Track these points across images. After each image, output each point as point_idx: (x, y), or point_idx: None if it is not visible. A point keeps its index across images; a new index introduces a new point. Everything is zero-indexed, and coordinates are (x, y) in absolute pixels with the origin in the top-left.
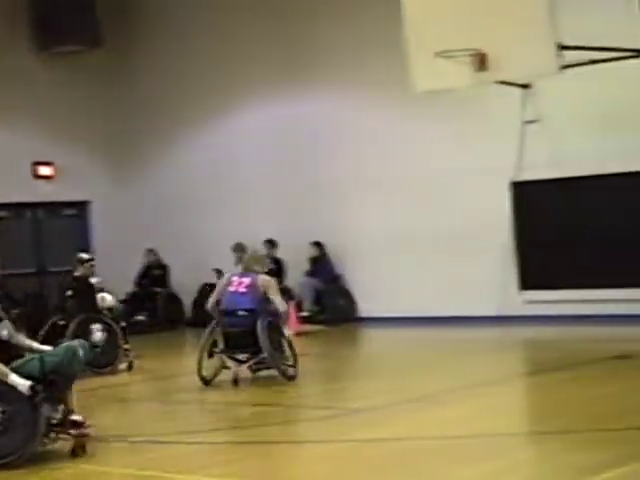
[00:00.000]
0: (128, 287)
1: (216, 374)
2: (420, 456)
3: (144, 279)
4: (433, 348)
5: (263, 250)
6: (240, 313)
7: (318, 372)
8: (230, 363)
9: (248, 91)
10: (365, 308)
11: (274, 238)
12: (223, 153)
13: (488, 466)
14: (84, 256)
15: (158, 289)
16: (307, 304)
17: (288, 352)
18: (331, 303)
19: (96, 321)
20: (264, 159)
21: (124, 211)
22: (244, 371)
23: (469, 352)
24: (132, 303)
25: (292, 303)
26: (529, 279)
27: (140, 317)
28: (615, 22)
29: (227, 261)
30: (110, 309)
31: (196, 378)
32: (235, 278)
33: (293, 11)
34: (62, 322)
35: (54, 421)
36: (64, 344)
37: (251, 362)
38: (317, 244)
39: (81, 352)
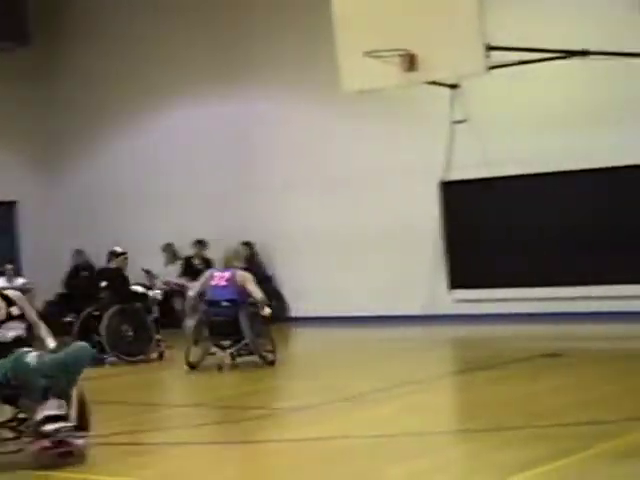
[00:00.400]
0: (57, 288)
1: (202, 360)
2: (350, 455)
3: (73, 280)
4: (364, 347)
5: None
6: (223, 304)
7: (249, 372)
8: (214, 349)
9: (176, 91)
10: (296, 308)
11: (204, 238)
12: (151, 153)
13: (417, 464)
14: (118, 249)
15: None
16: None
17: (268, 339)
18: None
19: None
20: (193, 159)
21: (51, 211)
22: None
23: (399, 351)
24: (61, 304)
25: None
26: (458, 278)
27: (69, 318)
28: (543, 23)
29: (156, 261)
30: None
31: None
32: (217, 273)
33: (223, 12)
34: (96, 313)
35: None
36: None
37: (233, 349)
38: (247, 244)
39: (35, 361)
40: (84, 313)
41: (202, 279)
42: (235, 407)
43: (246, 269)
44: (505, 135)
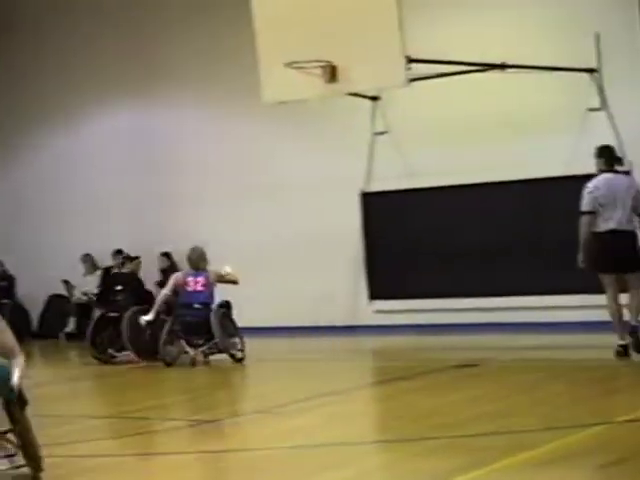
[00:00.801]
0: None
1: (177, 358)
2: (269, 466)
3: None
4: (285, 358)
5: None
6: (196, 306)
7: (168, 383)
8: (188, 348)
9: (97, 101)
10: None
11: (123, 249)
12: (71, 162)
13: (337, 475)
14: (131, 255)
15: (4, 300)
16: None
17: (237, 338)
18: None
19: (146, 312)
20: (114, 169)
21: None
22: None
23: (320, 362)
24: None
25: None
26: (378, 289)
27: None
28: (463, 37)
29: (76, 272)
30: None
31: None
32: (190, 278)
33: (143, 24)
34: (113, 314)
35: None
36: None
37: (205, 347)
38: (166, 255)
39: None
40: (98, 315)
41: (172, 281)
42: (154, 418)
43: (164, 280)
44: (425, 147)
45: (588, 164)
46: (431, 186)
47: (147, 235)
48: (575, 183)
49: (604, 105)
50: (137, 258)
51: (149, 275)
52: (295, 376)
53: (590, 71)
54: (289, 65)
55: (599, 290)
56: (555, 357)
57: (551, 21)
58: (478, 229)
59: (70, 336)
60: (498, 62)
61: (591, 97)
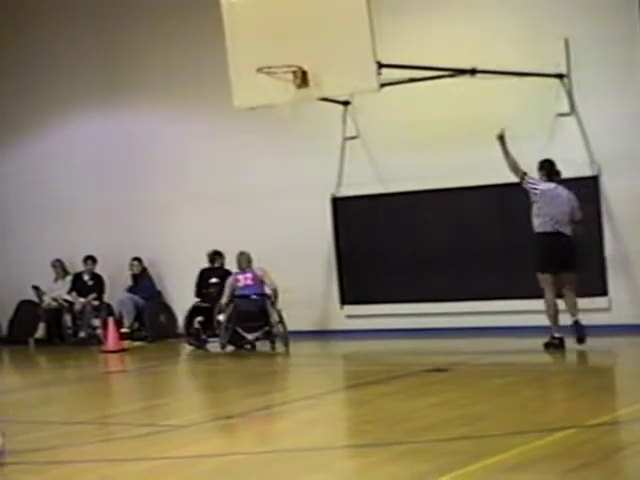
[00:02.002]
0: None
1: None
2: (240, 471)
3: None
4: (257, 363)
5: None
6: (252, 297)
7: (137, 388)
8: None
9: (68, 106)
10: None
11: (94, 254)
12: (40, 167)
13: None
14: (221, 251)
15: None
16: (128, 320)
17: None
18: (152, 319)
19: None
20: (84, 174)
21: None
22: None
23: (291, 366)
24: None
25: (112, 320)
26: (349, 294)
27: None
28: (433, 42)
29: (46, 277)
30: None
31: None
32: (240, 276)
33: (115, 28)
34: (204, 305)
35: None
36: None
37: (259, 333)
38: (137, 260)
39: None
40: (190, 307)
41: (228, 286)
42: (121, 424)
43: (137, 286)
44: (396, 151)
45: (560, 170)
46: (402, 191)
47: (119, 240)
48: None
49: (573, 110)
50: (222, 254)
51: (119, 281)
52: (265, 381)
53: (559, 76)
54: (260, 70)
55: (560, 295)
56: (524, 361)
57: (520, 27)
58: (448, 234)
59: (39, 342)
60: (468, 68)
61: (560, 102)
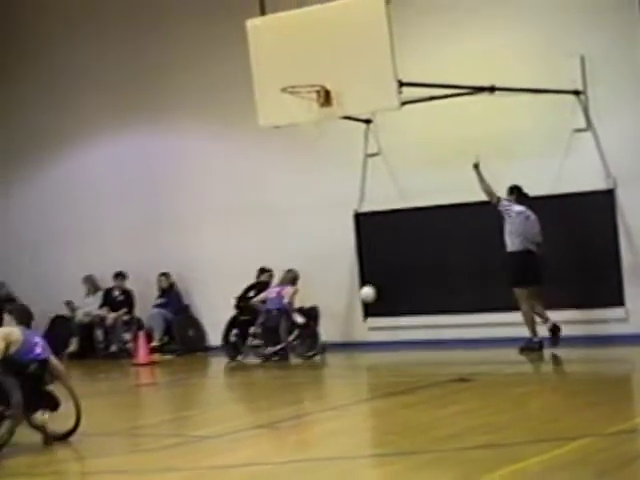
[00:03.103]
0: None
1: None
2: None
3: None
4: (280, 374)
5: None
6: (274, 312)
7: (167, 400)
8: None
9: (97, 129)
10: (214, 338)
11: (124, 270)
12: (74, 186)
13: None
14: (266, 267)
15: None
16: (157, 334)
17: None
18: (181, 333)
19: None
20: (114, 192)
21: None
22: None
23: (316, 378)
24: None
25: (142, 334)
26: (372, 306)
27: None
28: (453, 61)
29: (78, 293)
30: None
31: None
32: (272, 290)
33: (144, 52)
34: (243, 317)
35: None
36: None
37: (276, 348)
38: (165, 275)
39: None
40: (229, 319)
41: (259, 299)
42: (151, 435)
43: (166, 300)
44: (416, 168)
45: (575, 183)
46: (422, 206)
47: (147, 256)
48: (563, 201)
49: (589, 126)
50: (270, 271)
51: (148, 296)
52: (291, 392)
53: (576, 93)
54: (284, 90)
55: (578, 306)
56: (544, 371)
57: (536, 44)
58: (468, 247)
59: (72, 355)
60: (487, 85)
61: (577, 118)
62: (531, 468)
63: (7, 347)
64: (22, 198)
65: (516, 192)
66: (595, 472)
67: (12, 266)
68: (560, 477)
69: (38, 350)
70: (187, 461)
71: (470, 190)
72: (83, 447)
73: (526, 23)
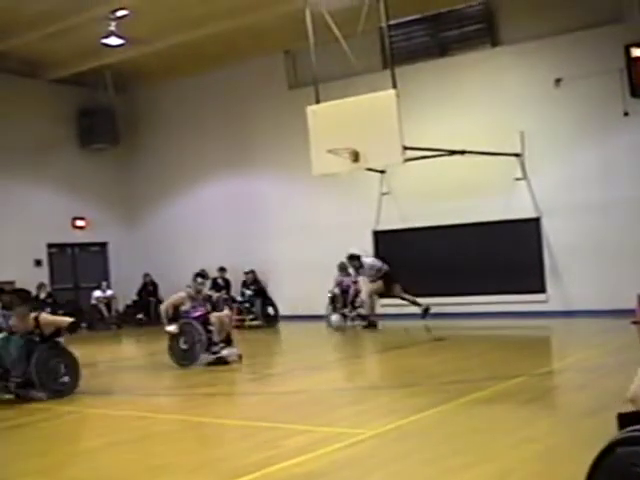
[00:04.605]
0: (132, 297)
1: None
2: (314, 401)
3: (142, 292)
4: (324, 335)
5: (217, 273)
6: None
7: (249, 352)
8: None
9: (211, 172)
10: (283, 310)
11: (225, 266)
12: (195, 211)
13: (356, 408)
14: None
15: (152, 299)
16: (244, 308)
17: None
18: (261, 307)
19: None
20: (219, 215)
21: (130, 249)
22: None
23: (347, 337)
24: (135, 307)
25: (235, 308)
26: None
27: (140, 316)
28: (438, 133)
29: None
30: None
31: None
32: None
33: (239, 129)
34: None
35: None
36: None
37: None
38: (252, 271)
39: None
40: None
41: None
42: (242, 372)
43: (257, 288)
44: (414, 201)
45: (516, 213)
46: (417, 227)
47: (238, 257)
48: (507, 226)
49: (525, 176)
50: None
51: (239, 283)
52: (327, 344)
53: (517, 155)
54: (329, 151)
55: (517, 292)
56: (494, 334)
57: (492, 123)
58: (448, 253)
59: None
60: (459, 149)
61: (517, 171)
62: (485, 396)
63: (176, 307)
64: (163, 219)
65: (354, 258)
66: (528, 398)
67: (155, 264)
68: (505, 401)
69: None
70: (261, 388)
71: (448, 216)
72: (215, 376)
73: (485, 110)
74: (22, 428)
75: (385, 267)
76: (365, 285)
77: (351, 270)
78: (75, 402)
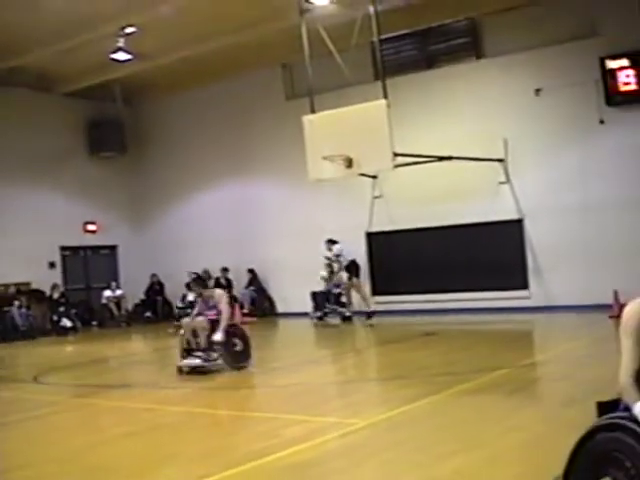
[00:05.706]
0: (140, 296)
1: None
2: (311, 393)
3: (150, 291)
4: (322, 330)
5: (219, 273)
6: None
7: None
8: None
9: (214, 178)
10: (280, 307)
11: (227, 266)
12: (198, 215)
13: (350, 398)
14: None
15: (159, 298)
16: (246, 305)
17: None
18: (260, 304)
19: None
20: (220, 219)
21: (138, 251)
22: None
23: (343, 332)
24: (143, 305)
25: (238, 305)
26: (378, 289)
27: (148, 314)
28: (426, 139)
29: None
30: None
31: None
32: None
33: (239, 138)
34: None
35: None
36: None
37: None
38: (251, 270)
39: None
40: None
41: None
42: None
43: (250, 284)
44: (403, 205)
45: (499, 215)
46: (406, 229)
47: (239, 257)
48: (492, 227)
49: (508, 180)
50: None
51: (240, 282)
52: (326, 339)
53: (500, 160)
54: (324, 158)
55: (502, 289)
56: (481, 329)
57: (478, 131)
58: (436, 253)
59: None
60: (447, 155)
61: (500, 176)
62: (472, 387)
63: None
64: (169, 223)
65: (331, 242)
66: (512, 388)
67: (162, 264)
68: (491, 392)
69: None
70: (265, 381)
71: (436, 218)
72: (206, 377)
73: (470, 118)
74: (41, 419)
75: (349, 259)
76: (359, 284)
77: (327, 250)
78: (89, 395)
